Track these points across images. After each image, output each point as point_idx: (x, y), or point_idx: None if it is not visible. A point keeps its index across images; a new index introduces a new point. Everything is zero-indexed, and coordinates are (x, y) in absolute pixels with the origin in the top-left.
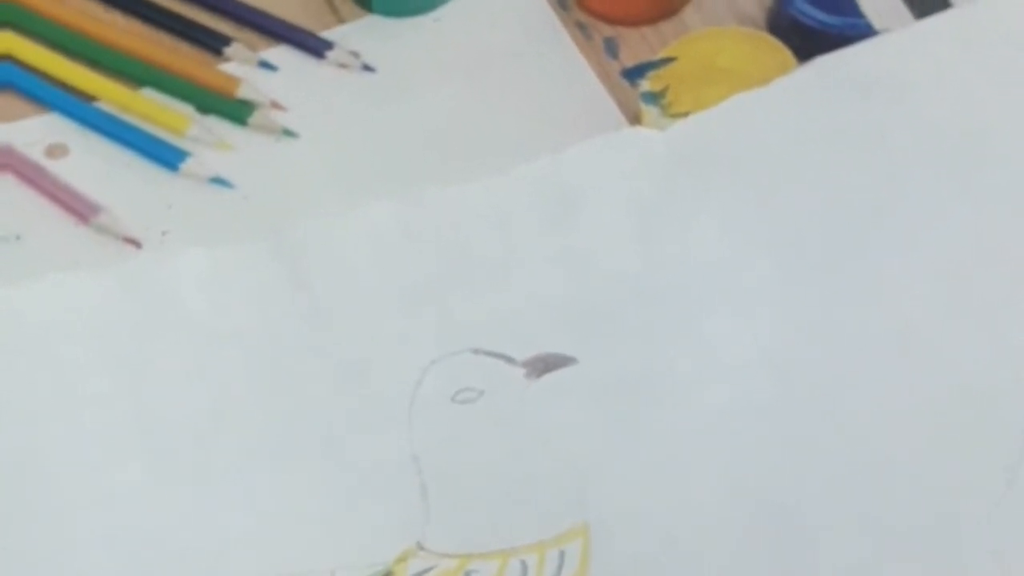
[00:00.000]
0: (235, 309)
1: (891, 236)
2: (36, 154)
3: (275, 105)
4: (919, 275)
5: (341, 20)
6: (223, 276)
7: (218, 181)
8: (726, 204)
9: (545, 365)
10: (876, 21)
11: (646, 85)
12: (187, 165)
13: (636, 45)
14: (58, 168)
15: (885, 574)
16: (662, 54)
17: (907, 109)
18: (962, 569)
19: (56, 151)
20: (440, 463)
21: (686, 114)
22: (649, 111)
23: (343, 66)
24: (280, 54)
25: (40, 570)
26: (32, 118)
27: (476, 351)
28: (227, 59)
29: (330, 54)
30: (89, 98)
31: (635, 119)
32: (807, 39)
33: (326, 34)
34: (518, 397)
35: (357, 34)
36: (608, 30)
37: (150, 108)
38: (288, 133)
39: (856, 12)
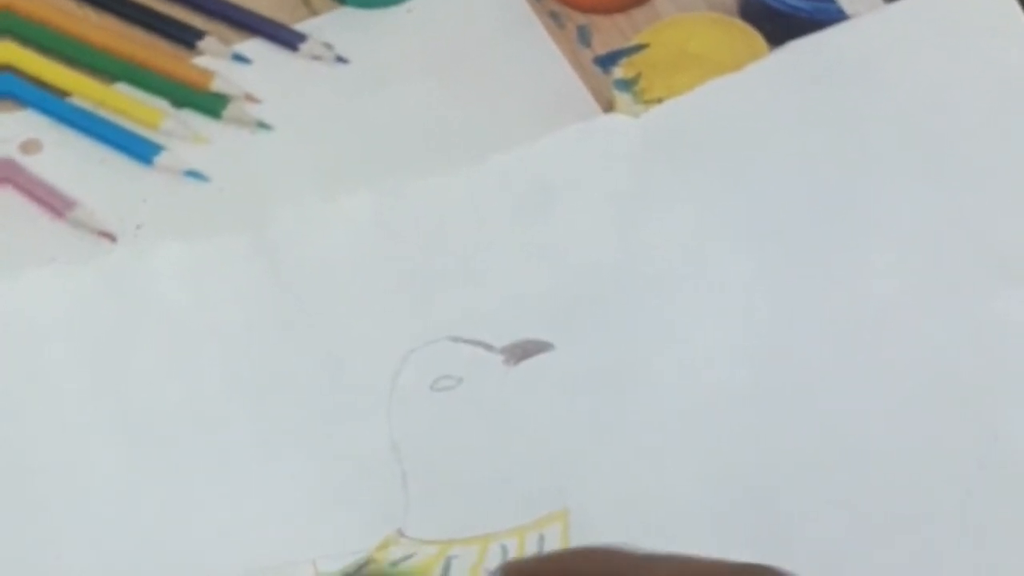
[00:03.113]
0: (214, 302)
1: (865, 219)
2: (10, 150)
3: (249, 98)
4: (893, 258)
5: (314, 12)
6: (201, 269)
7: (193, 174)
8: (702, 190)
9: (523, 351)
10: (846, 5)
11: (619, 72)
12: (161, 159)
13: (608, 32)
14: (32, 163)
15: (862, 557)
16: (634, 41)
17: (879, 93)
18: (936, 551)
19: (30, 147)
20: (420, 451)
21: (659, 100)
22: (622, 98)
23: (317, 58)
24: (253, 47)
25: (21, 565)
26: (4, 114)
27: (455, 339)
28: (200, 53)
29: (303, 46)
30: (63, 93)
31: (608, 106)
32: (778, 24)
33: (299, 26)
34: (497, 384)
35: (330, 26)
36: (580, 18)
37: (124, 103)
38: (262, 126)
39: None
